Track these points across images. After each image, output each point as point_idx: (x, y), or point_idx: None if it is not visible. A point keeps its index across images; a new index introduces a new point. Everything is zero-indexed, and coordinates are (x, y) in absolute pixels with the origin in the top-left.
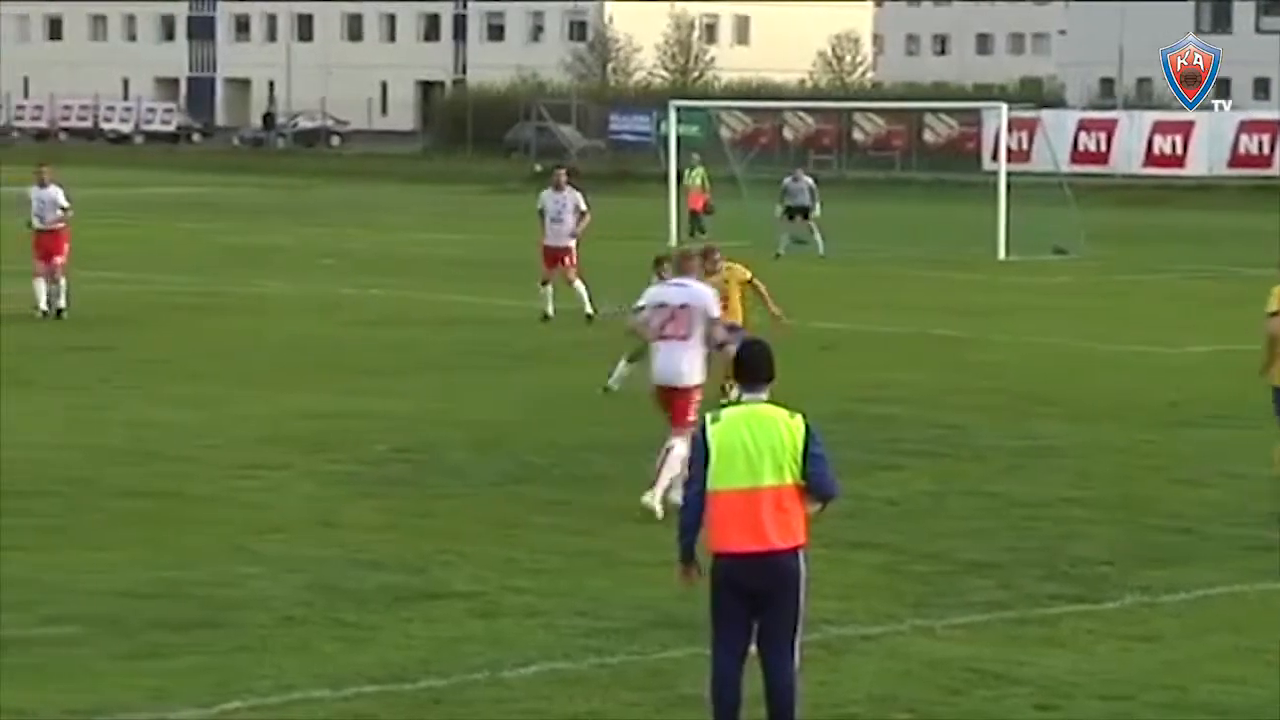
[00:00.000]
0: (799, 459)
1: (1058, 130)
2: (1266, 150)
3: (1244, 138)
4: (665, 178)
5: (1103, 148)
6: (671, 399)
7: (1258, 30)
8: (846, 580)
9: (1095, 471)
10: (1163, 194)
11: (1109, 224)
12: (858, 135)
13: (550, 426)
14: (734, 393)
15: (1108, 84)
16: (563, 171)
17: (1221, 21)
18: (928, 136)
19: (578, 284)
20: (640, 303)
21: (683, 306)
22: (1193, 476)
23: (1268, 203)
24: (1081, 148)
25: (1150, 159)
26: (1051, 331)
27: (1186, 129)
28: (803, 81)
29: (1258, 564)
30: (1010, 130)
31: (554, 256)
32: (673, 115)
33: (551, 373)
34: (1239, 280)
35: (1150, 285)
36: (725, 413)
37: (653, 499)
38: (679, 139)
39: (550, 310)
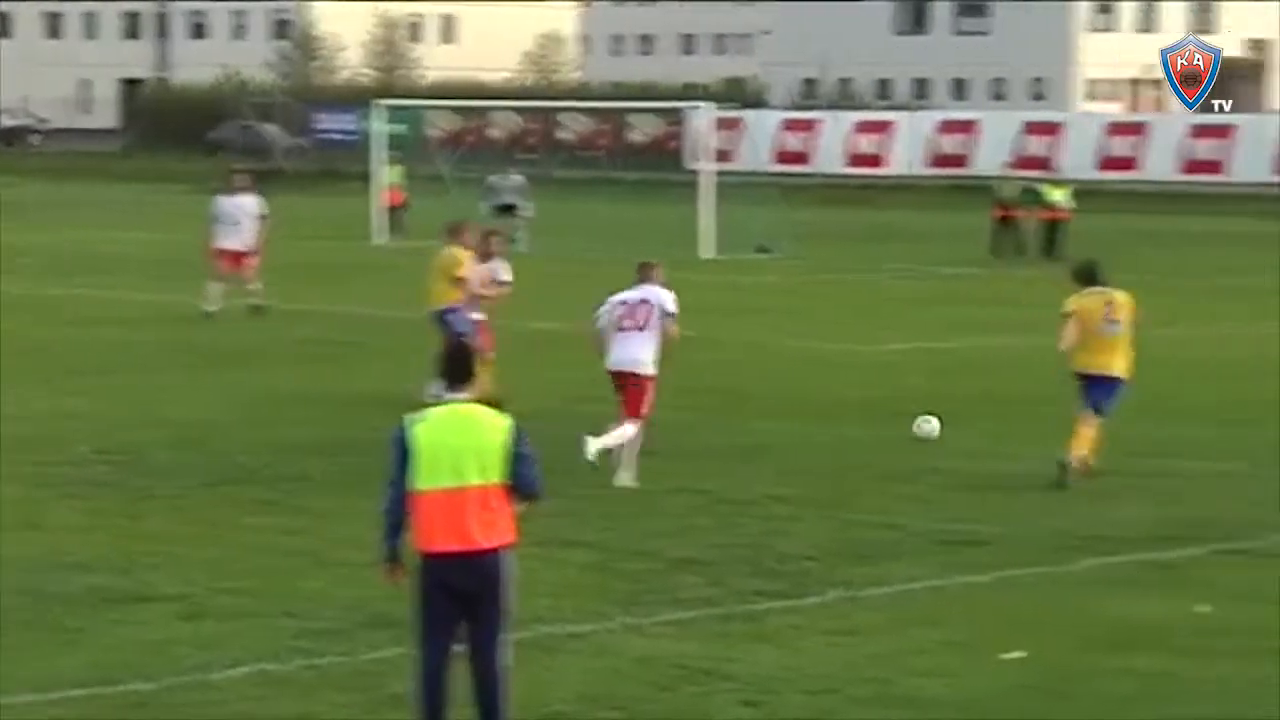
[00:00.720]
0: (504, 459)
1: (761, 130)
2: (963, 150)
3: (942, 138)
4: (368, 176)
5: (806, 147)
6: (627, 386)
7: (955, 32)
8: (557, 579)
9: (801, 468)
10: (865, 193)
11: (813, 223)
12: (564, 135)
13: (259, 426)
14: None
15: (810, 84)
16: (241, 175)
17: (920, 23)
18: (633, 136)
19: (255, 284)
20: (599, 311)
21: (642, 301)
22: (896, 472)
23: (966, 201)
24: (785, 147)
25: (852, 158)
26: (756, 330)
27: (887, 129)
28: (509, 80)
29: (958, 558)
30: (715, 130)
31: (232, 259)
32: (374, 114)
33: (259, 373)
34: (938, 279)
35: (853, 284)
36: (428, 412)
37: (593, 446)
38: (388, 138)
39: (214, 309)
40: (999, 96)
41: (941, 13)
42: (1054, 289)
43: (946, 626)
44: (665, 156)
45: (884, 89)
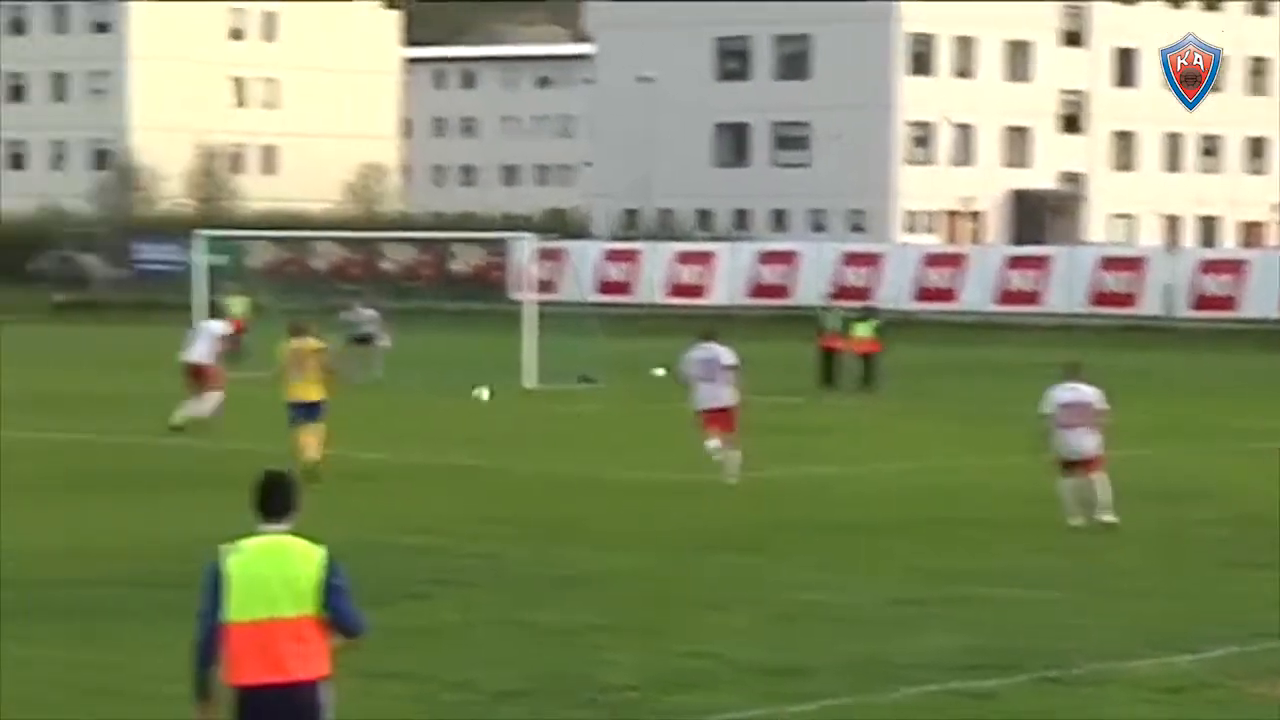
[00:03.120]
0: (318, 590)
1: (583, 260)
2: (783, 281)
3: (763, 268)
4: (194, 307)
5: (627, 277)
6: (715, 417)
7: (775, 164)
8: (375, 711)
9: (622, 598)
10: (686, 323)
11: (635, 353)
12: (386, 265)
13: (70, 558)
14: None
15: (632, 214)
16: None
17: (740, 155)
18: (455, 266)
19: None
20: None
21: (709, 359)
22: (717, 601)
23: (787, 331)
24: (608, 277)
25: (674, 288)
26: (578, 459)
27: (708, 259)
28: (331, 211)
29: (779, 688)
30: (537, 260)
31: None
32: (199, 245)
33: (73, 503)
34: (761, 408)
35: (672, 413)
36: (243, 544)
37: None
38: (209, 268)
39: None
40: (819, 227)
41: (760, 145)
42: (875, 417)
43: None
44: (489, 287)
45: (705, 220)
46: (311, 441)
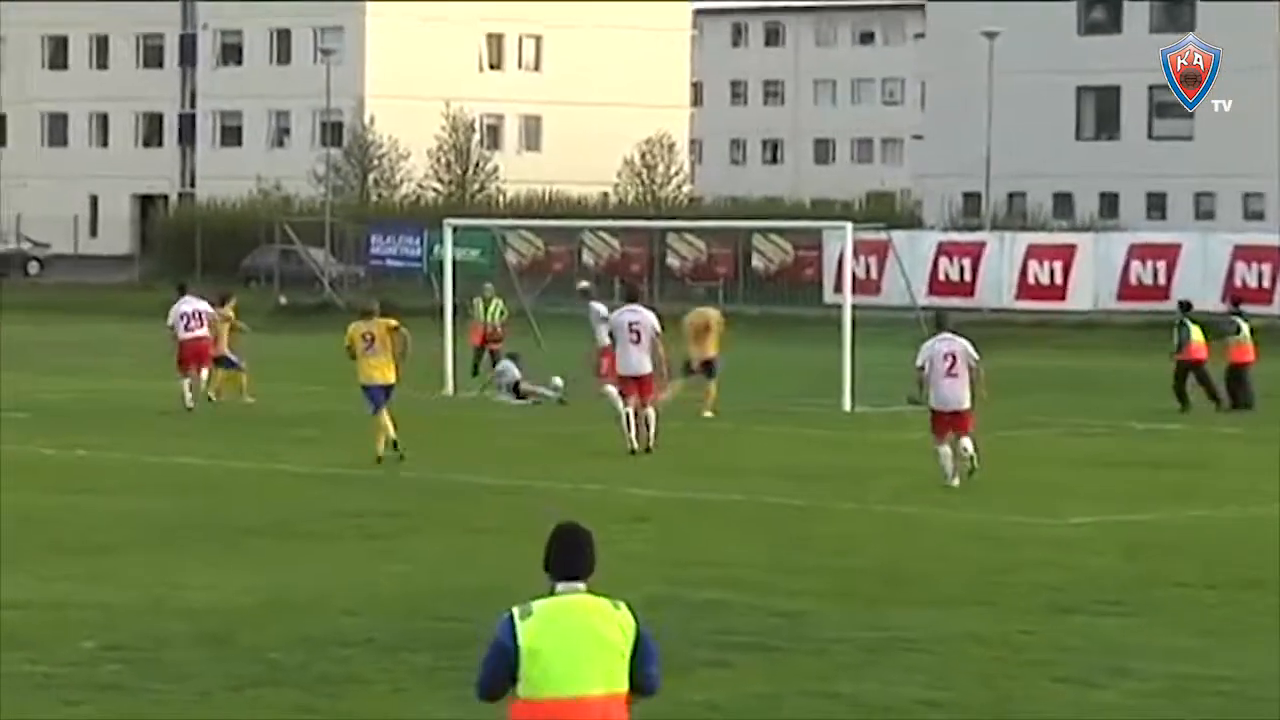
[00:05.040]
0: (630, 663)
1: (913, 255)
2: (1164, 280)
3: (1136, 264)
4: (439, 312)
5: (967, 276)
6: (951, 419)
7: (1150, 137)
8: None
9: (959, 668)
10: (1040, 331)
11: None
12: (673, 260)
13: (296, 615)
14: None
15: (973, 199)
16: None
17: (1107, 126)
18: (756, 262)
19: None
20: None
21: (950, 352)
22: (1078, 675)
23: (1164, 341)
24: (942, 275)
25: (1025, 290)
26: (907, 498)
27: (1067, 254)
28: (606, 196)
29: None
30: (856, 255)
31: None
32: (448, 236)
33: (295, 549)
34: (1130, 435)
35: (1025, 441)
36: (537, 605)
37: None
38: (455, 264)
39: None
40: (1206, 214)
41: (1134, 113)
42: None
43: None
44: (798, 286)
45: (1063, 205)
46: (388, 423)
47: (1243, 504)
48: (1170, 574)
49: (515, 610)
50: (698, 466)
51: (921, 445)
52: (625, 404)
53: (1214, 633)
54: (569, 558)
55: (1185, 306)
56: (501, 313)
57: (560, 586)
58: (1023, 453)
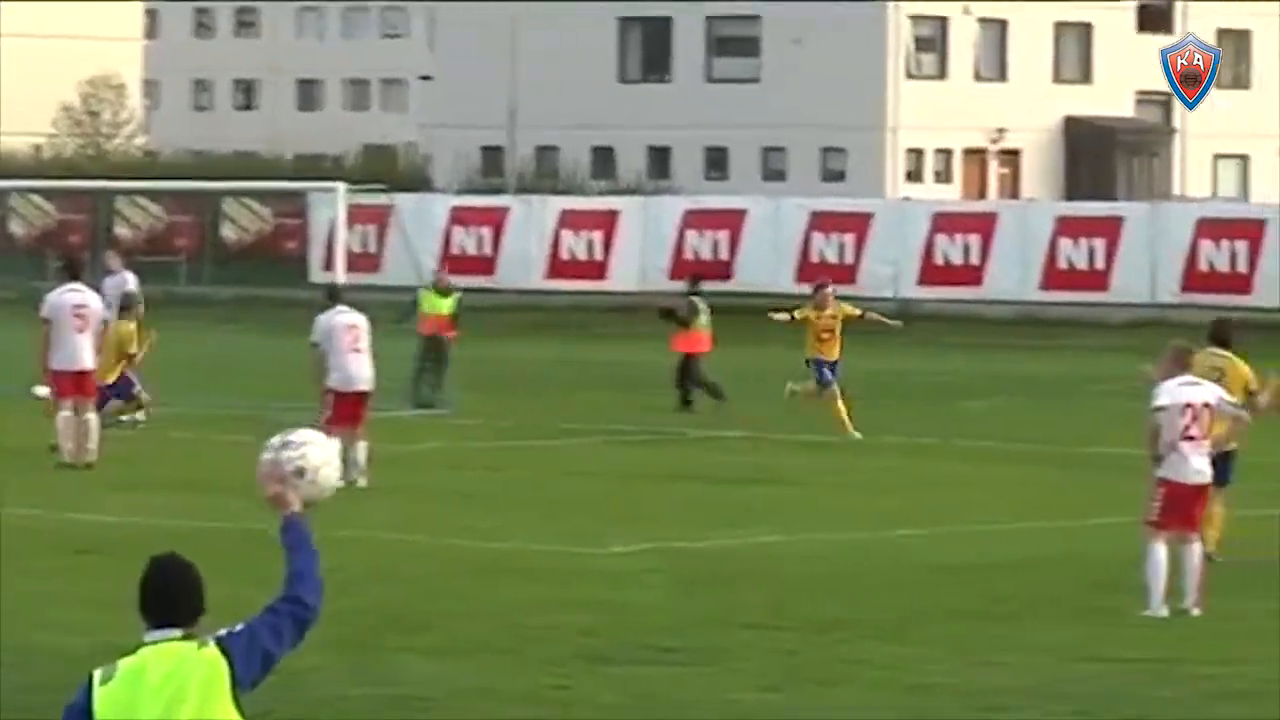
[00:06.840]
0: (231, 688)
1: (420, 223)
2: (726, 253)
3: (691, 234)
4: None
5: (487, 249)
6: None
7: (706, 79)
8: None
9: None
10: (575, 316)
11: (503, 360)
12: (122, 229)
13: None
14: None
15: (493, 155)
16: None
17: (655, 63)
18: (227, 232)
19: None
20: None
21: None
22: None
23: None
24: (456, 248)
25: (556, 266)
26: (414, 523)
27: (609, 223)
28: (38, 149)
29: None
30: (350, 224)
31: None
32: None
33: None
34: (682, 443)
35: (558, 452)
36: (123, 664)
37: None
38: None
39: None
40: (774, 174)
41: (689, 52)
42: None
43: None
44: (279, 263)
45: (603, 162)
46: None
47: (818, 528)
48: (734, 613)
49: (97, 673)
50: (168, 481)
51: (432, 457)
52: (62, 406)
53: (787, 684)
54: (159, 600)
55: (695, 280)
56: None
57: (150, 635)
58: (554, 465)
